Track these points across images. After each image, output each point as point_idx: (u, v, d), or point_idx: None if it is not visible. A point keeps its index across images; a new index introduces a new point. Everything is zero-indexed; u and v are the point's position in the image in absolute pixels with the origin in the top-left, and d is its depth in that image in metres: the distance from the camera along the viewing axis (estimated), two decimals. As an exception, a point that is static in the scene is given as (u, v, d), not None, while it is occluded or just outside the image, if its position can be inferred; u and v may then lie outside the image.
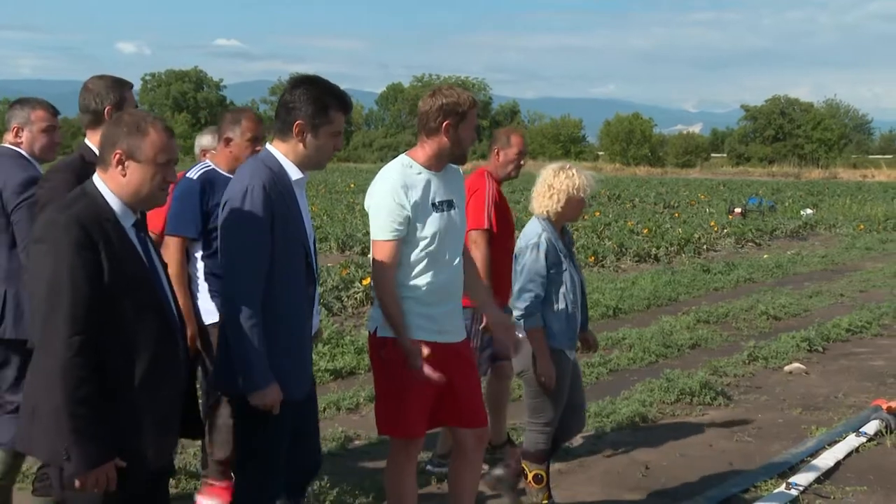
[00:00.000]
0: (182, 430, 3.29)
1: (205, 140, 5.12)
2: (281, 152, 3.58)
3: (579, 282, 4.84)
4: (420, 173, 3.97)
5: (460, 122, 3.94)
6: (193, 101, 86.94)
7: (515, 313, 4.72)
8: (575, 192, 4.65)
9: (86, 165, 3.72)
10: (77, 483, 2.90)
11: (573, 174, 4.67)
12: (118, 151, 3.04)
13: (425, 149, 3.99)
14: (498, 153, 5.55)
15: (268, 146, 3.64)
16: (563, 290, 4.70)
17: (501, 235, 5.37)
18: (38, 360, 2.94)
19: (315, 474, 3.97)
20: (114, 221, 3.03)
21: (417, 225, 3.91)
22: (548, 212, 4.68)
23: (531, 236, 4.70)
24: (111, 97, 3.90)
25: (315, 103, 3.52)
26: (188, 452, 5.57)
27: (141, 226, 3.16)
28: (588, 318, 5.13)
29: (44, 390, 2.89)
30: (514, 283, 4.79)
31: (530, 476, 4.81)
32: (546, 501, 4.84)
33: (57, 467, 2.97)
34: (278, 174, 3.52)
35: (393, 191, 3.89)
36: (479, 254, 5.17)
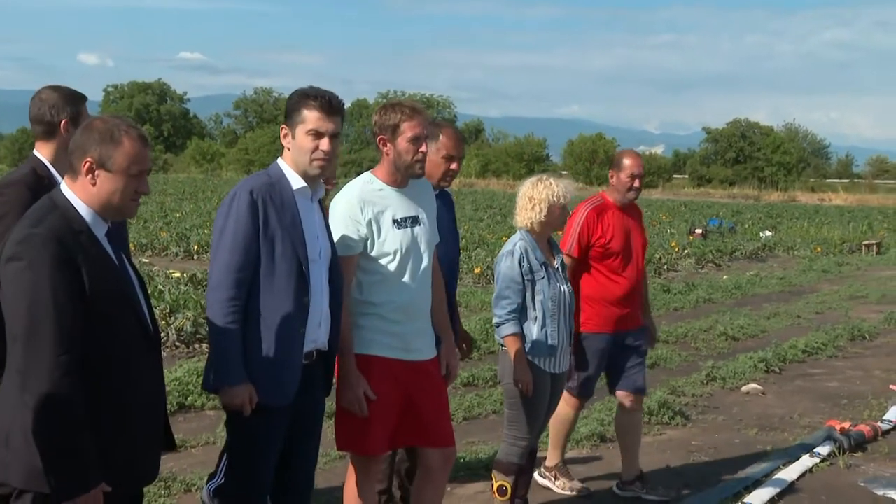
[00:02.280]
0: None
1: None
2: (285, 161, 3.64)
3: (564, 294, 4.86)
4: (381, 189, 4.00)
5: (395, 136, 3.92)
6: (157, 114, 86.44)
7: (494, 320, 4.77)
8: (556, 199, 4.77)
9: (39, 179, 3.63)
10: None
11: (551, 183, 4.80)
12: (88, 160, 2.92)
13: (382, 165, 4.03)
14: (612, 176, 5.48)
15: (279, 158, 3.69)
16: (540, 298, 4.74)
17: (614, 260, 5.36)
18: (18, 382, 2.79)
19: (309, 493, 3.92)
20: (88, 233, 2.93)
21: (377, 241, 3.92)
22: (531, 223, 4.77)
23: (508, 245, 4.84)
24: (67, 110, 3.76)
25: (294, 107, 3.57)
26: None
27: (112, 235, 3.07)
28: (573, 332, 5.14)
29: (27, 414, 2.75)
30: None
31: (495, 486, 4.82)
32: None
33: (34, 493, 2.84)
34: (276, 183, 3.56)
35: (349, 206, 3.93)
36: None
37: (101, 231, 2.99)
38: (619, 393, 5.51)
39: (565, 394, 5.44)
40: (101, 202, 2.96)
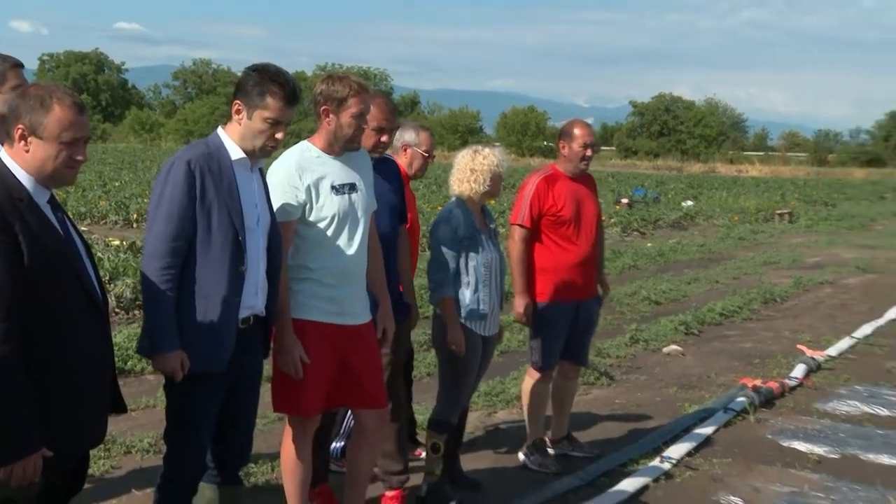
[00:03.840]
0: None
1: (407, 135, 5.22)
2: (226, 132, 3.58)
3: (495, 260, 4.89)
4: (319, 157, 3.97)
5: (339, 109, 3.89)
6: (94, 84, 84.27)
7: (429, 284, 4.79)
8: (496, 168, 4.81)
9: None
10: (5, 474, 2.74)
11: (488, 153, 4.82)
12: (20, 126, 2.84)
13: (321, 134, 3.99)
14: (564, 147, 5.37)
15: (219, 127, 3.63)
16: (473, 264, 4.76)
17: (566, 229, 5.31)
18: None
19: (246, 459, 3.92)
20: (28, 200, 2.84)
21: (315, 206, 3.90)
22: (472, 193, 4.79)
23: (443, 212, 4.86)
24: None
25: (255, 86, 3.50)
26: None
27: (56, 203, 3.00)
28: (504, 297, 5.16)
29: None
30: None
31: (428, 445, 4.85)
32: (439, 470, 4.87)
33: None
34: (215, 153, 3.50)
35: (287, 173, 3.89)
36: (511, 245, 5.32)
37: (42, 198, 2.91)
38: (563, 362, 5.52)
39: (530, 369, 5.48)
40: (36, 169, 2.88)
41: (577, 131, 5.34)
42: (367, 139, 4.36)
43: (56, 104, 2.86)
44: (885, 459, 5.78)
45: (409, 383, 5.48)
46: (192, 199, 3.40)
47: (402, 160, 5.15)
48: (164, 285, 3.37)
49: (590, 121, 5.92)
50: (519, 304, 5.28)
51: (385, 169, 4.56)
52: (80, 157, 2.93)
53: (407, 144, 5.21)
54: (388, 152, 4.73)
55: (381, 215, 4.38)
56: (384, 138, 4.44)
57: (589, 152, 5.34)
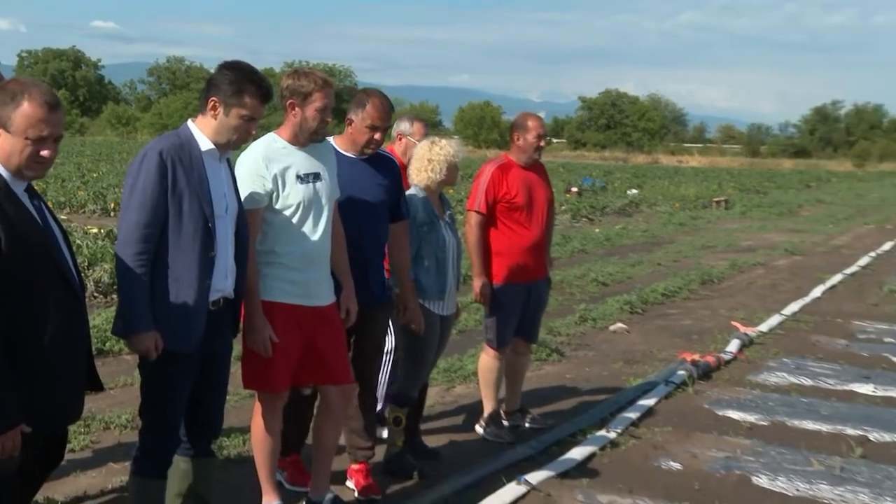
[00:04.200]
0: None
1: (402, 125, 5.30)
2: (197, 125, 3.52)
3: (452, 244, 4.87)
4: (284, 148, 3.93)
5: (304, 103, 3.87)
6: (72, 80, 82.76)
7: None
8: (452, 158, 4.77)
9: None
10: None
11: (444, 144, 4.79)
12: None
13: (286, 126, 3.96)
14: (518, 138, 5.36)
15: (189, 120, 3.57)
16: (432, 248, 4.74)
17: (520, 214, 5.31)
18: None
19: (217, 433, 3.88)
20: (4, 188, 2.77)
21: (281, 195, 3.86)
22: (429, 182, 4.75)
23: None
24: None
25: (232, 85, 3.46)
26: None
27: (34, 191, 2.93)
28: (460, 281, 5.15)
29: None
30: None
31: (390, 418, 4.84)
32: (400, 442, 4.87)
33: None
34: (185, 144, 3.45)
35: (255, 163, 3.86)
36: (468, 230, 5.31)
37: (19, 187, 2.85)
38: (515, 339, 5.52)
39: (486, 346, 5.48)
40: (5, 161, 2.81)
41: (530, 123, 5.36)
42: (361, 135, 4.30)
43: (26, 100, 2.78)
44: (808, 425, 5.89)
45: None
46: (164, 189, 3.35)
47: (397, 148, 5.22)
48: (139, 270, 3.32)
49: (541, 114, 5.92)
50: (477, 284, 5.29)
51: (382, 165, 4.47)
52: (44, 153, 2.84)
53: (402, 133, 5.27)
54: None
55: (372, 211, 4.36)
56: (377, 136, 4.32)
57: (541, 143, 5.37)
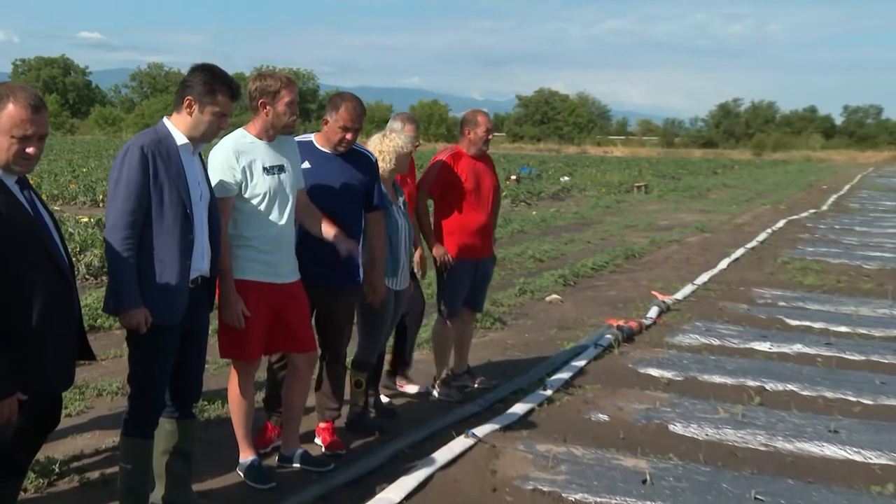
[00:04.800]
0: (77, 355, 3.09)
1: (395, 125, 5.22)
2: (172, 122, 3.45)
3: (404, 226, 4.83)
4: (252, 142, 3.89)
5: (274, 100, 3.84)
6: (62, 85, 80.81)
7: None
8: (401, 149, 4.74)
9: None
10: None
11: (393, 137, 4.76)
12: None
13: (255, 123, 3.91)
14: (469, 132, 5.33)
15: (164, 118, 3.50)
16: (386, 231, 4.68)
17: (468, 199, 5.30)
18: None
19: (198, 397, 3.85)
20: None
21: (250, 185, 3.82)
22: (382, 171, 4.69)
23: None
24: None
25: (205, 85, 3.40)
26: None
27: (25, 182, 2.86)
28: (411, 258, 5.13)
29: None
30: None
31: (352, 381, 4.82)
32: (362, 402, 4.87)
33: None
34: (163, 139, 3.39)
35: (225, 156, 3.81)
36: (418, 206, 5.30)
37: (10, 179, 2.79)
38: (463, 309, 5.52)
39: (437, 317, 5.47)
40: None
41: (480, 119, 5.38)
42: (334, 134, 4.28)
43: (11, 102, 2.72)
44: (716, 379, 6.00)
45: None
46: (146, 180, 3.30)
47: None
48: (126, 253, 3.27)
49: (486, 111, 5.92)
50: (437, 252, 5.31)
51: (356, 160, 4.42)
52: (29, 150, 2.78)
53: (393, 132, 5.19)
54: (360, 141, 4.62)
55: (345, 202, 4.31)
56: (348, 136, 4.29)
57: (489, 136, 5.41)
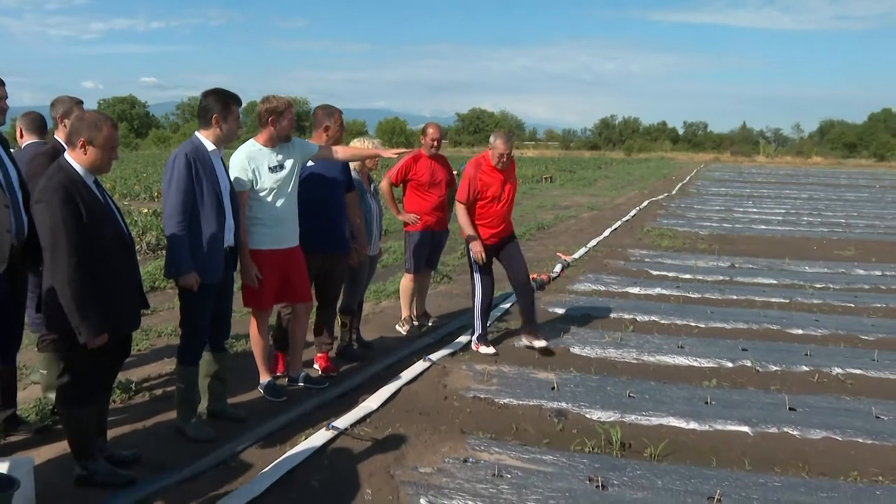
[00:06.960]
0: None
1: (491, 138, 4.92)
2: (203, 135, 3.40)
3: (375, 209, 4.78)
4: (260, 150, 3.83)
5: (280, 117, 3.79)
6: (130, 115, 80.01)
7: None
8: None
9: (56, 151, 3.48)
10: (88, 346, 2.76)
11: (367, 141, 4.65)
12: (82, 139, 2.81)
13: (262, 134, 3.84)
14: (423, 138, 5.29)
15: (196, 132, 3.43)
16: (361, 211, 4.59)
17: (425, 186, 5.23)
18: (50, 276, 2.71)
19: (228, 335, 3.75)
20: (82, 183, 2.78)
21: (259, 181, 3.77)
22: (358, 165, 4.59)
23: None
24: (61, 110, 3.69)
25: (221, 103, 3.39)
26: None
27: (98, 182, 2.91)
28: (382, 231, 5.05)
29: (58, 291, 2.68)
30: None
31: (339, 323, 4.76)
32: (347, 338, 4.82)
33: (66, 338, 2.80)
34: (198, 147, 3.36)
35: (241, 160, 3.76)
36: (384, 190, 5.20)
37: (90, 180, 2.85)
38: (424, 268, 5.48)
39: (405, 273, 5.41)
40: (89, 164, 2.84)
41: (430, 130, 5.36)
42: (320, 142, 4.24)
43: (105, 126, 2.85)
44: (602, 314, 6.08)
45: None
46: (191, 178, 3.28)
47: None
48: (181, 231, 3.26)
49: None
50: (405, 218, 5.25)
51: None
52: (115, 157, 2.92)
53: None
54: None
55: (333, 184, 4.21)
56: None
57: (437, 143, 5.36)
